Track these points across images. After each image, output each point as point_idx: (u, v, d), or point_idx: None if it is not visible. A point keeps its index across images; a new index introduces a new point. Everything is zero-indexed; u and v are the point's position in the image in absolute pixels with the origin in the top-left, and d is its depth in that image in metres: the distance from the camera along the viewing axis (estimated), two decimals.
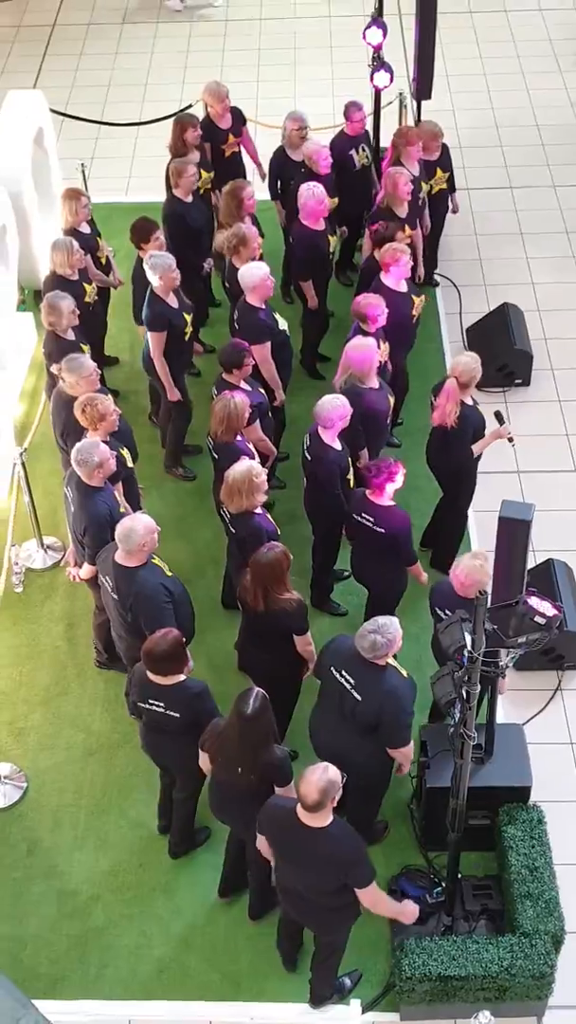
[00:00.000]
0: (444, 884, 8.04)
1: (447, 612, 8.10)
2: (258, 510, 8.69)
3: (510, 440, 9.56)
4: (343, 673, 7.67)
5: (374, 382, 9.60)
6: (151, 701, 7.70)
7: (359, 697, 7.60)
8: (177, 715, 7.67)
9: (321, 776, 6.57)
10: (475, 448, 9.46)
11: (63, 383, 9.37)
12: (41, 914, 8.36)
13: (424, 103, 13.24)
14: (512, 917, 7.77)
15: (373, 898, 6.88)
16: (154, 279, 10.12)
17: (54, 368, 9.55)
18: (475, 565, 7.99)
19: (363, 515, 8.91)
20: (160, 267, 10.09)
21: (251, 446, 9.31)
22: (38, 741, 9.34)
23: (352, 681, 7.63)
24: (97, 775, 9.11)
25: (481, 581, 7.89)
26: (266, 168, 12.53)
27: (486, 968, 7.41)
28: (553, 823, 8.18)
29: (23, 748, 9.29)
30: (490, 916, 8.07)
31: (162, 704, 7.67)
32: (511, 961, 7.43)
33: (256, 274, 10.01)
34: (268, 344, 10.07)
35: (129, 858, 8.63)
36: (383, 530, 8.84)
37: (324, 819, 6.68)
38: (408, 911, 7.12)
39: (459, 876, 7.94)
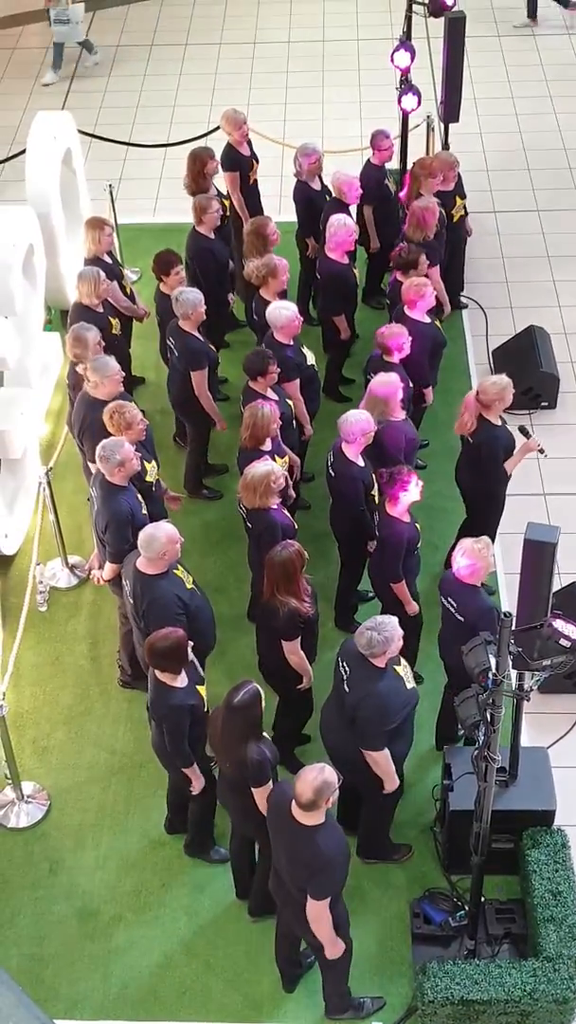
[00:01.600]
0: (467, 907, 8.00)
1: (450, 600, 8.21)
2: (274, 505, 8.76)
3: (541, 451, 9.55)
4: (343, 664, 7.76)
5: (401, 414, 9.62)
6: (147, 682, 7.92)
7: (347, 689, 7.67)
8: (149, 707, 7.83)
9: (317, 776, 6.59)
10: (507, 466, 9.46)
11: (88, 384, 9.46)
12: (63, 934, 8.35)
13: (451, 126, 13.28)
14: (535, 941, 7.72)
15: (316, 914, 6.85)
16: (183, 316, 10.20)
17: (80, 368, 9.64)
18: (475, 549, 8.01)
19: (374, 515, 9.00)
20: (189, 303, 10.17)
21: (283, 459, 9.35)
22: (61, 760, 9.35)
23: (348, 672, 7.69)
24: (119, 795, 9.11)
25: (478, 566, 7.93)
26: (285, 190, 12.53)
27: (509, 992, 7.36)
28: None
29: (46, 767, 9.30)
30: (513, 940, 8.03)
31: (146, 691, 7.87)
32: (534, 986, 7.38)
33: (284, 314, 10.06)
34: (297, 381, 10.13)
35: (151, 878, 8.61)
36: (379, 534, 8.86)
37: (314, 819, 6.70)
38: (337, 948, 7.08)
39: (482, 899, 7.90)
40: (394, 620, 7.63)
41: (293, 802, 6.72)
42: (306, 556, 8.22)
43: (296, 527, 8.98)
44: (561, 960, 7.50)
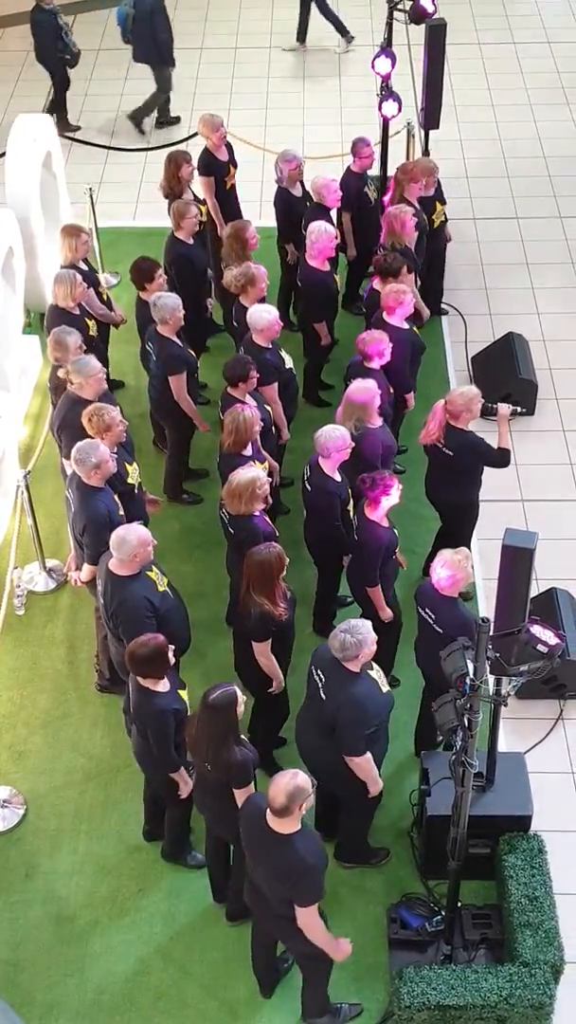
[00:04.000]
0: (444, 912, 8.00)
1: (427, 611, 8.21)
2: (257, 512, 8.76)
3: (517, 411, 9.49)
4: (318, 672, 7.74)
5: (378, 421, 9.62)
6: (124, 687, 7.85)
7: (324, 696, 7.65)
8: (132, 714, 7.79)
9: (290, 781, 6.57)
10: (502, 443, 9.37)
11: (72, 385, 9.46)
12: (38, 938, 8.32)
13: (432, 133, 13.32)
14: (511, 947, 7.73)
15: (308, 921, 6.84)
16: (161, 321, 10.19)
17: (61, 372, 9.64)
18: (455, 560, 8.00)
19: (349, 531, 9.01)
20: (167, 309, 10.16)
21: (264, 464, 9.34)
22: (38, 765, 9.32)
23: (323, 680, 7.68)
24: (96, 799, 9.08)
25: (458, 577, 7.92)
26: (266, 196, 12.58)
27: (485, 998, 7.36)
28: (553, 852, 8.15)
29: (23, 772, 9.26)
30: (489, 945, 8.03)
31: (133, 705, 7.79)
32: (510, 991, 7.38)
33: (265, 317, 10.06)
34: (275, 385, 10.13)
35: (128, 883, 8.59)
36: (357, 538, 8.86)
37: (290, 826, 6.67)
38: (342, 949, 7.09)
39: (459, 905, 7.91)
40: (368, 623, 7.63)
41: (267, 812, 6.70)
42: (287, 561, 8.20)
43: (278, 535, 8.94)
44: (537, 965, 7.51)
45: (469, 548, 10.10)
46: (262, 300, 10.60)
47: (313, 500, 9.31)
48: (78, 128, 16.34)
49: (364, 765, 7.73)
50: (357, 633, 7.52)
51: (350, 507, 9.32)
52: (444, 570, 8.06)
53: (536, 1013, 7.42)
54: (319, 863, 6.78)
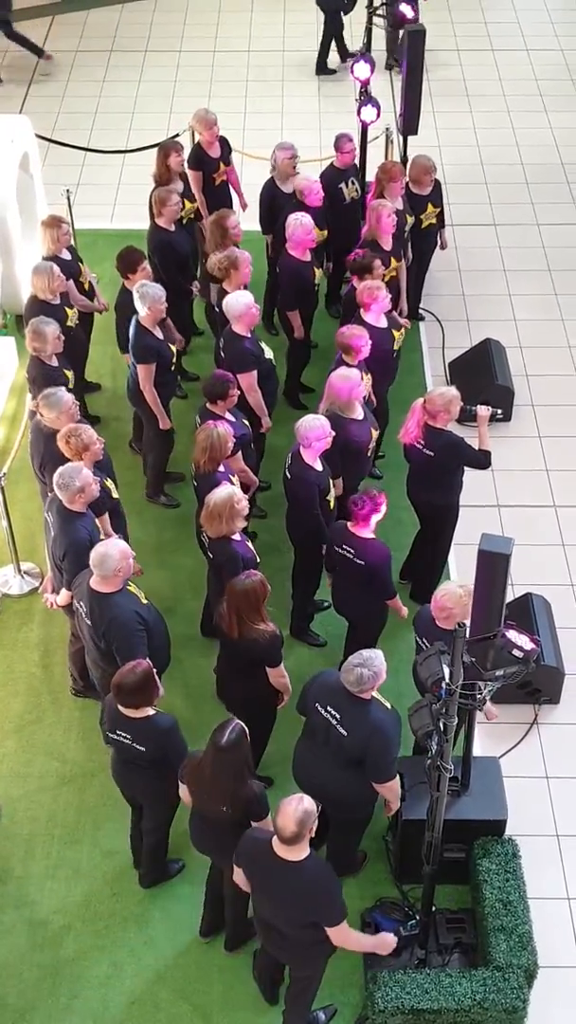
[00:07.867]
0: (418, 917, 8.00)
1: (425, 641, 8.13)
2: (236, 536, 8.68)
3: (497, 413, 9.52)
4: (328, 709, 7.63)
5: (357, 413, 9.61)
6: (119, 732, 7.66)
7: (345, 732, 7.55)
8: (143, 749, 7.62)
9: (297, 807, 6.51)
10: (482, 444, 9.40)
11: (43, 418, 9.33)
12: (11, 944, 8.27)
13: (410, 139, 13.32)
14: (485, 951, 7.74)
15: (343, 937, 6.81)
16: (142, 309, 10.15)
17: (31, 404, 9.54)
18: (456, 593, 7.97)
19: (344, 547, 8.90)
20: (149, 297, 10.11)
21: (234, 477, 9.30)
22: (11, 769, 9.27)
23: (338, 716, 7.58)
24: (70, 804, 9.04)
25: (454, 612, 7.89)
26: (249, 199, 12.60)
27: (459, 1002, 7.37)
28: (527, 857, 8.17)
29: None
30: (463, 949, 8.04)
31: (129, 737, 7.63)
32: (484, 995, 7.39)
33: (241, 302, 10.05)
34: (254, 372, 10.09)
35: (102, 888, 8.56)
36: (362, 562, 8.83)
37: (300, 852, 6.62)
38: (385, 942, 7.05)
39: (433, 909, 7.91)
40: (380, 654, 7.57)
41: (274, 841, 6.63)
42: (269, 589, 8.11)
43: (258, 560, 8.86)
44: (511, 969, 7.52)
45: (447, 552, 10.14)
46: (245, 287, 10.57)
47: (293, 489, 9.32)
48: (334, 72, 17.52)
49: (395, 787, 7.74)
50: (372, 666, 7.47)
51: (330, 497, 9.32)
52: (450, 604, 7.97)
53: (509, 1017, 7.43)
54: (336, 882, 6.75)
